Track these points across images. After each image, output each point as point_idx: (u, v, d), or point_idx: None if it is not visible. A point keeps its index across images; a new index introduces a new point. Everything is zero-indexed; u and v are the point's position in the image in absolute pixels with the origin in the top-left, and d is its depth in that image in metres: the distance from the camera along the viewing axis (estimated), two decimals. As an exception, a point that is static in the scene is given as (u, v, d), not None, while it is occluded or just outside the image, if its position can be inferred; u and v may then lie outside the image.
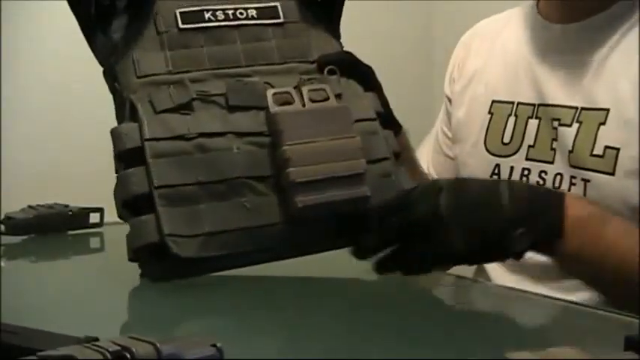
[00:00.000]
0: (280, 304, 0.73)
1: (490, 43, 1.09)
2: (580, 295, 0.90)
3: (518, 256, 0.77)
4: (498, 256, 0.81)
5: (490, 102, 1.04)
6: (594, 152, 0.91)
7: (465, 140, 1.08)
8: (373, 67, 0.88)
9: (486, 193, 0.76)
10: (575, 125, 0.93)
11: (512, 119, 1.00)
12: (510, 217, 0.75)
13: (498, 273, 1.02)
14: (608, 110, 0.90)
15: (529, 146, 0.98)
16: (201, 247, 0.69)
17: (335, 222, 0.75)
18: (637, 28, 0.92)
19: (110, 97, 1.49)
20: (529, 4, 1.05)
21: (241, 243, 0.71)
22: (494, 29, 1.10)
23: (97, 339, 0.52)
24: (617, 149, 0.89)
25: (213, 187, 0.72)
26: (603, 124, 0.90)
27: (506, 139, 1.01)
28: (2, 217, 0.99)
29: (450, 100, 1.13)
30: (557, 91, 0.96)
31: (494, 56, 1.07)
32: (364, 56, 0.87)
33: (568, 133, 0.93)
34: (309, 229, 0.74)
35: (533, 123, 0.98)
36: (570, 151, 0.93)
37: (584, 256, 0.78)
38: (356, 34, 1.26)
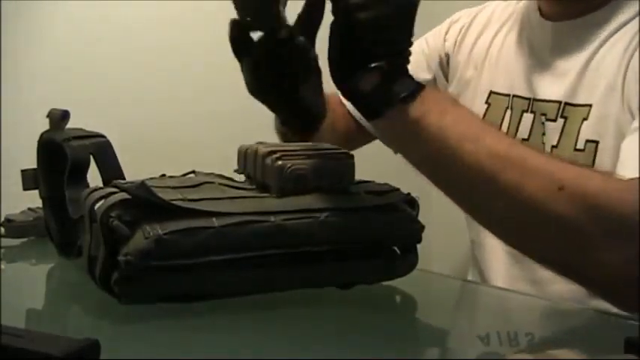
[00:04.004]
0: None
1: (493, 30, 1.10)
2: (581, 299, 0.91)
3: (353, 91, 0.72)
4: (349, 75, 0.72)
5: (488, 92, 1.06)
6: (577, 147, 0.92)
7: None
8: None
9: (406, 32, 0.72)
10: (560, 121, 0.95)
11: (509, 112, 1.03)
12: (391, 53, 0.71)
13: (496, 273, 1.03)
14: (590, 106, 0.92)
15: (523, 139, 1.00)
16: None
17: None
18: (624, 29, 0.94)
19: (109, 97, 1.49)
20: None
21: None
22: (501, 17, 1.11)
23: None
24: (597, 142, 0.91)
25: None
26: (586, 119, 0.92)
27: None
28: (2, 219, 0.99)
29: (443, 55, 1.17)
30: (546, 86, 0.99)
31: (494, 46, 1.10)
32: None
33: (553, 128, 0.96)
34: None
35: (527, 117, 1.01)
36: (554, 146, 0.95)
37: (425, 125, 0.72)
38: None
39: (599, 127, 0.91)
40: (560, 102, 0.96)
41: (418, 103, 0.72)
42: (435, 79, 1.18)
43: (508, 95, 1.04)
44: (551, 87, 0.98)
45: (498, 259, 1.03)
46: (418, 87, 0.72)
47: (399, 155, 1.20)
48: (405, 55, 0.72)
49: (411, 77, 0.73)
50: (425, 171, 0.76)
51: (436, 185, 0.77)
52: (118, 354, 0.58)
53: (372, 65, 0.70)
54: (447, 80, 1.17)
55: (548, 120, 0.97)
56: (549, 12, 1.02)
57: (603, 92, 0.92)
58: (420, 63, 1.18)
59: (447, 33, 1.18)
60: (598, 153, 0.90)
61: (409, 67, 1.17)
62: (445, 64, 1.17)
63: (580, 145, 0.92)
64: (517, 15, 1.08)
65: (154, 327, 0.68)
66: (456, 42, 1.16)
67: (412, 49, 1.24)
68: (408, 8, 0.71)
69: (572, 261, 0.73)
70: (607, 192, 0.70)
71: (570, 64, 0.96)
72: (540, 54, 1.01)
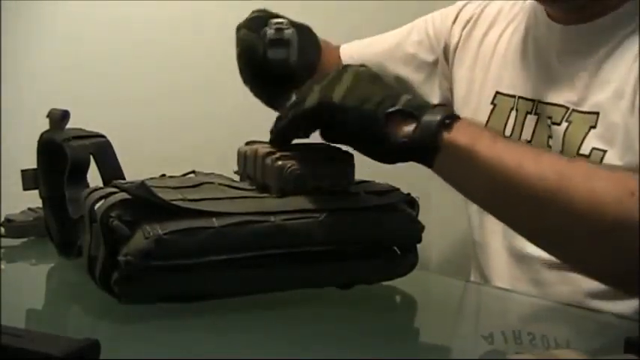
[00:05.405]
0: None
1: (500, 28, 1.10)
2: (581, 301, 0.91)
3: (398, 151, 0.73)
4: (374, 139, 0.73)
5: (494, 92, 1.05)
6: (580, 152, 0.91)
7: None
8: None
9: (387, 85, 0.76)
10: (564, 124, 0.94)
11: (514, 113, 1.02)
12: (394, 99, 0.72)
13: (498, 274, 1.03)
14: (598, 114, 0.91)
15: (526, 141, 0.99)
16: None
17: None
18: (634, 36, 0.91)
19: (109, 97, 1.49)
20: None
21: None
22: (508, 15, 1.10)
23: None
24: (605, 151, 0.89)
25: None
26: (594, 127, 0.91)
27: (507, 133, 1.02)
28: (2, 219, 0.99)
29: (449, 43, 1.15)
30: (553, 90, 0.97)
31: (500, 45, 1.08)
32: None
33: (559, 132, 0.94)
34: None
35: (531, 119, 0.99)
36: (561, 150, 0.94)
37: (477, 153, 0.71)
38: (357, 34, 1.26)
39: (608, 135, 0.90)
40: (567, 108, 0.94)
41: (462, 130, 0.72)
42: (436, 62, 1.17)
43: (514, 96, 1.02)
44: (558, 91, 0.96)
45: (501, 260, 1.02)
46: (452, 113, 0.73)
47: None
48: (409, 94, 0.73)
49: (437, 106, 0.74)
50: (486, 199, 0.75)
51: (498, 213, 0.76)
52: (118, 354, 0.58)
53: (389, 111, 0.71)
54: (449, 67, 1.15)
55: (554, 124, 0.95)
56: (558, 15, 0.99)
57: (610, 99, 0.91)
58: (423, 43, 1.17)
59: (454, 22, 1.15)
60: (604, 160, 0.89)
61: (413, 46, 1.17)
62: (450, 52, 1.14)
63: (584, 150, 0.91)
64: (524, 14, 1.07)
65: (154, 327, 0.68)
66: (462, 34, 1.13)
67: (417, 27, 1.22)
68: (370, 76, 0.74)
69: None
70: None
71: (578, 70, 0.95)
72: (547, 57, 1.00)
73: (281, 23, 0.82)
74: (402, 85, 0.75)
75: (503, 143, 0.74)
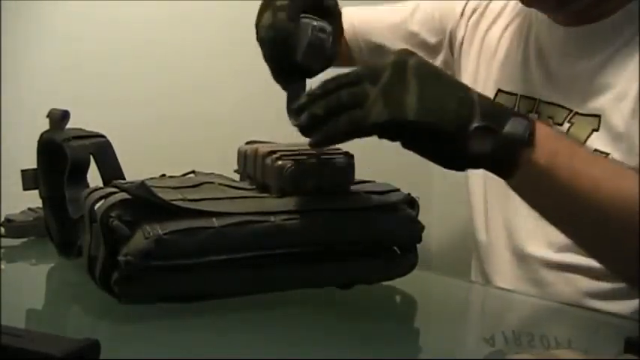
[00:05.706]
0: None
1: (504, 23, 1.09)
2: (581, 301, 0.91)
3: (474, 162, 0.72)
4: (451, 152, 0.71)
5: (496, 90, 1.04)
6: None
7: None
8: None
9: (454, 82, 0.73)
10: (567, 125, 0.93)
11: None
12: (471, 107, 0.69)
13: (500, 274, 1.03)
14: (599, 116, 0.91)
15: None
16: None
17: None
18: (635, 39, 0.91)
19: (109, 97, 1.49)
20: None
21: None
22: (512, 12, 1.09)
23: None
24: (607, 154, 0.89)
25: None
26: (596, 130, 0.91)
27: None
28: (2, 219, 0.99)
29: (455, 31, 1.14)
30: (554, 91, 0.97)
31: (503, 42, 1.07)
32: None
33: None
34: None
35: (532, 117, 0.98)
36: None
37: (555, 172, 0.71)
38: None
39: (610, 138, 0.90)
40: (569, 109, 0.94)
41: (542, 147, 0.71)
42: (438, 46, 1.16)
43: (515, 95, 1.02)
44: (559, 93, 0.96)
45: (503, 259, 1.02)
46: (532, 125, 0.71)
47: (399, 155, 1.20)
48: (481, 98, 0.71)
49: (516, 114, 0.72)
50: (559, 218, 0.76)
51: (569, 231, 0.77)
52: (118, 354, 0.58)
53: (474, 126, 0.69)
54: (454, 59, 1.15)
55: (555, 124, 0.95)
56: (557, 18, 0.99)
57: (612, 102, 0.90)
58: (427, 24, 1.16)
59: (462, 15, 1.13)
60: None
61: (417, 25, 1.16)
62: (457, 45, 1.14)
63: None
64: (526, 11, 1.06)
65: (154, 327, 0.68)
66: (467, 27, 1.13)
67: (423, 7, 1.18)
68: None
69: None
70: None
71: (579, 72, 0.95)
72: (548, 57, 0.99)
73: (324, 31, 0.80)
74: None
75: (580, 160, 0.73)
